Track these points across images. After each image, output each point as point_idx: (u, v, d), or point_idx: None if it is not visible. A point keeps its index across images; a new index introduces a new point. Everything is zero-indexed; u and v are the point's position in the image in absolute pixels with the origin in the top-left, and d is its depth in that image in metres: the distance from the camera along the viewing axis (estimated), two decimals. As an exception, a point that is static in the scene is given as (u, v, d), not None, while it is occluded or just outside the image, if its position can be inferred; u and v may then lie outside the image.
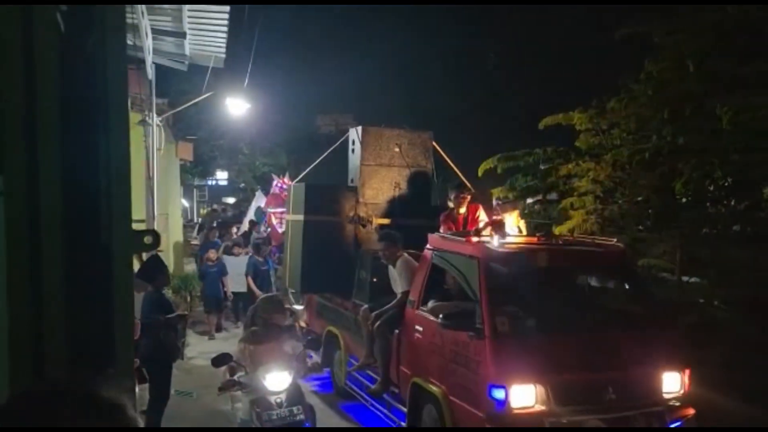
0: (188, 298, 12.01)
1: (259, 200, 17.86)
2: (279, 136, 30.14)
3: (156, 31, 9.24)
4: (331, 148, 8.84)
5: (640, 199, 8.38)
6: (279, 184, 18.32)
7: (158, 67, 10.79)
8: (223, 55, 10.29)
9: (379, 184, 7.86)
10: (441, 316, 4.88)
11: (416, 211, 7.59)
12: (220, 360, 4.80)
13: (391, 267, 6.22)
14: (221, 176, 40.93)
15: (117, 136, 1.48)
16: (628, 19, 8.39)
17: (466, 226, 6.39)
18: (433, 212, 7.36)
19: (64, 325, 1.26)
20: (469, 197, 6.62)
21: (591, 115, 8.76)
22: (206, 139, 22.00)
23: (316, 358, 7.51)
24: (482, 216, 6.62)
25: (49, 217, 1.33)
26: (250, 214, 17.34)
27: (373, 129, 7.92)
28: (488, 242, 5.25)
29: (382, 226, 7.47)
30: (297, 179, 8.59)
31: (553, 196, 9.70)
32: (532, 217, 9.25)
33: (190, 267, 15.41)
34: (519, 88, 15.72)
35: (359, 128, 7.91)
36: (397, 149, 7.86)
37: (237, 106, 13.20)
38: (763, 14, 6.65)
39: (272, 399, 4.65)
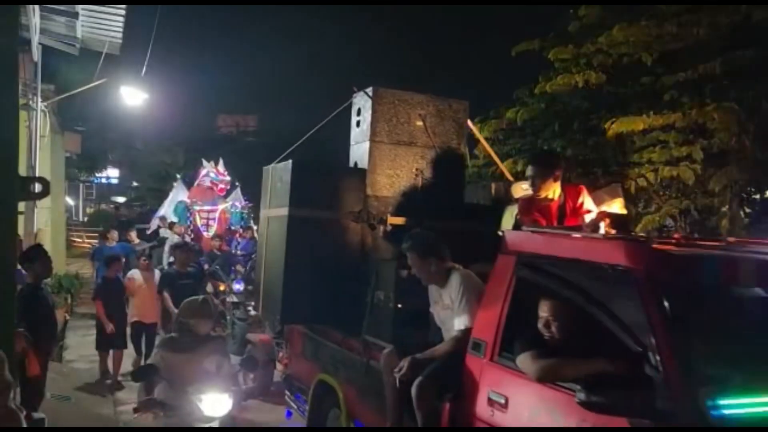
0: (69, 299, 11.24)
1: (180, 193, 14.62)
2: (177, 134, 29.11)
3: (45, 9, 8.58)
4: (328, 118, 6.52)
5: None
6: (212, 173, 13.90)
7: (46, 50, 10.03)
8: (120, 41, 9.72)
9: (394, 170, 5.92)
10: (581, 387, 2.56)
11: (446, 210, 5.53)
12: (143, 373, 4.03)
13: (435, 288, 3.92)
14: (112, 174, 38.78)
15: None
16: (529, 33, 8.95)
17: (562, 220, 4.15)
18: (469, 212, 5.69)
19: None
20: (560, 174, 4.26)
21: (490, 124, 9.29)
22: (97, 131, 20.69)
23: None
24: (588, 204, 4.23)
25: None
26: (166, 211, 14.27)
27: (389, 92, 5.90)
28: (648, 241, 3.04)
29: (396, 228, 5.47)
30: (279, 159, 6.24)
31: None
32: None
33: (75, 267, 14.44)
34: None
35: (370, 90, 5.87)
36: (420, 122, 5.93)
37: (133, 96, 12.54)
38: (644, 38, 7.35)
39: (203, 426, 3.86)
